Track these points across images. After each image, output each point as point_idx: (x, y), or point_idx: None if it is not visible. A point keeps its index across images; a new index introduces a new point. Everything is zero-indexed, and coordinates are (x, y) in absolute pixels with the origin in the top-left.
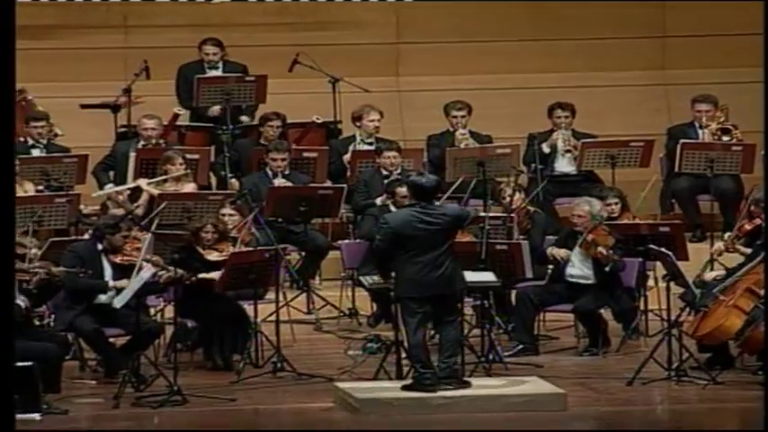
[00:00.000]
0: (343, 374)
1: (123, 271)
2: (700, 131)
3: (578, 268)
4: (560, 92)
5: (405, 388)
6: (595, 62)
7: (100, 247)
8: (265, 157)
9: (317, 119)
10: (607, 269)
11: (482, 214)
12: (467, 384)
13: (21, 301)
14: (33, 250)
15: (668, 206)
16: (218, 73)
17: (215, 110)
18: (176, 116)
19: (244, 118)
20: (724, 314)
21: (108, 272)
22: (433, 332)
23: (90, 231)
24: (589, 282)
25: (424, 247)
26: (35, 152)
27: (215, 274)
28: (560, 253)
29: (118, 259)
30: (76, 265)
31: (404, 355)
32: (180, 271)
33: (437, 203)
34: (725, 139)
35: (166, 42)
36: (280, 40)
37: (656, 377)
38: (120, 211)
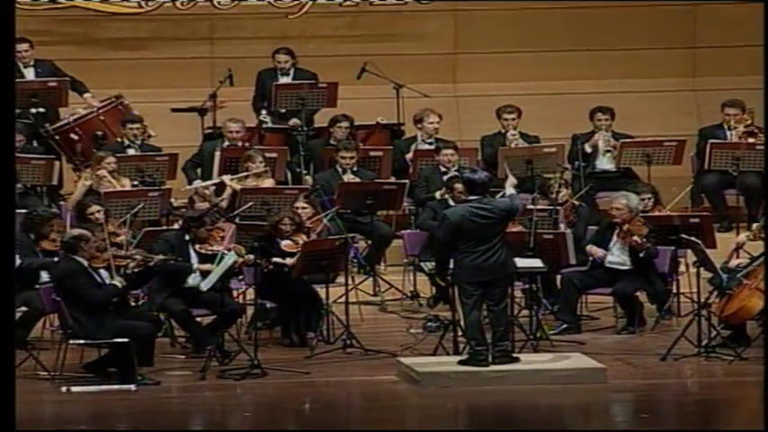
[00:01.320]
0: (405, 350)
1: (207, 259)
2: (728, 133)
3: (617, 255)
4: (601, 97)
5: (461, 362)
6: (633, 70)
7: (187, 237)
8: (335, 155)
9: (382, 120)
10: (641, 255)
11: (530, 207)
12: (516, 360)
13: (117, 281)
14: (122, 237)
15: (698, 199)
16: (289, 79)
17: (296, 122)
18: (261, 123)
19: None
20: (747, 296)
21: (194, 260)
22: (486, 313)
23: (179, 222)
24: (626, 267)
25: (480, 238)
26: (130, 151)
27: (288, 260)
28: (597, 253)
29: (203, 249)
30: (167, 252)
31: (460, 333)
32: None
33: (489, 198)
34: (750, 140)
35: (248, 53)
36: (349, 51)
37: (687, 353)
38: (206, 205)
